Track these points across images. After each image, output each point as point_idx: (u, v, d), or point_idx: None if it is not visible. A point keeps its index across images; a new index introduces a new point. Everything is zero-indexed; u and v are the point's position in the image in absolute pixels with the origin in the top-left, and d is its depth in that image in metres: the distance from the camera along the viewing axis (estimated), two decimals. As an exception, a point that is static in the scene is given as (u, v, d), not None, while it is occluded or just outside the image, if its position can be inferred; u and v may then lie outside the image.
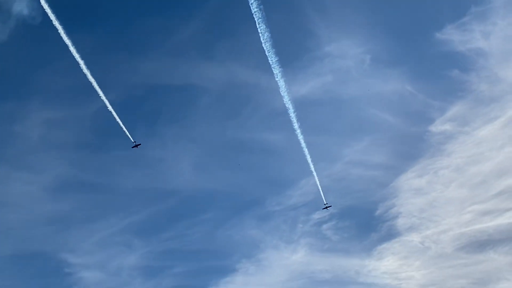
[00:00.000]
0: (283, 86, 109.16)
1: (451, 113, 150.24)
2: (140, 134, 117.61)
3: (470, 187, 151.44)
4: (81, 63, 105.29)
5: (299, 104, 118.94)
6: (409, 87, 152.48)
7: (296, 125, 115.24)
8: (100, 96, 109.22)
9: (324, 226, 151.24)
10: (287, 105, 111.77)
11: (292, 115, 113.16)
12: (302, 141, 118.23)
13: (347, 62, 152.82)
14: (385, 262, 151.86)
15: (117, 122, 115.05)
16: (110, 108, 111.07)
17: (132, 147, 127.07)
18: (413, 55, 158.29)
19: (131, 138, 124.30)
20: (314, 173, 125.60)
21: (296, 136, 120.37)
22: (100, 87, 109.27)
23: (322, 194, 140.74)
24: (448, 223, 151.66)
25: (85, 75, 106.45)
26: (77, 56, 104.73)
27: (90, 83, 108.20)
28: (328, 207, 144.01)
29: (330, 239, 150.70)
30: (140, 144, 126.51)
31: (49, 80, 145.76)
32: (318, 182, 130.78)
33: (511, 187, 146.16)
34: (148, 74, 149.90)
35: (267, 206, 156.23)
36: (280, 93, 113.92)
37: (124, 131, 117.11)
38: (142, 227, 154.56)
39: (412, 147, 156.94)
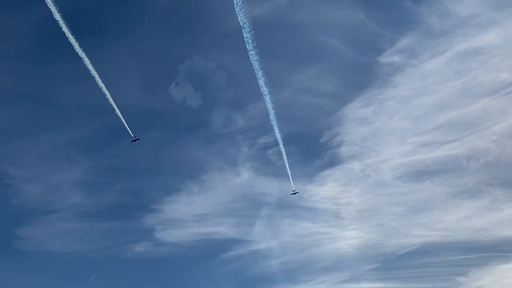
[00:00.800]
0: (240, 3, 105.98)
1: (400, 44, 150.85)
2: (85, 46, 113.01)
3: (413, 119, 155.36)
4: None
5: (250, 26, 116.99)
6: (362, 15, 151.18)
7: (250, 46, 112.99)
8: (46, 3, 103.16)
9: (269, 151, 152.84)
10: (242, 24, 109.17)
11: (247, 35, 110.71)
12: (255, 64, 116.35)
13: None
14: (326, 188, 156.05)
15: (63, 32, 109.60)
16: (56, 16, 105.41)
17: (131, 141, 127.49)
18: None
19: (131, 133, 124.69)
20: (267, 98, 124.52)
21: (246, 58, 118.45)
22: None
23: (291, 180, 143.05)
24: (388, 153, 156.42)
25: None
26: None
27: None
28: (296, 193, 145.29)
29: (274, 163, 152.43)
30: (139, 139, 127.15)
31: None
32: (271, 111, 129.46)
33: (451, 120, 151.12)
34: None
35: (213, 128, 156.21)
36: (232, 14, 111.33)
37: (70, 42, 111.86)
38: (85, 143, 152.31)
39: (360, 77, 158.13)
